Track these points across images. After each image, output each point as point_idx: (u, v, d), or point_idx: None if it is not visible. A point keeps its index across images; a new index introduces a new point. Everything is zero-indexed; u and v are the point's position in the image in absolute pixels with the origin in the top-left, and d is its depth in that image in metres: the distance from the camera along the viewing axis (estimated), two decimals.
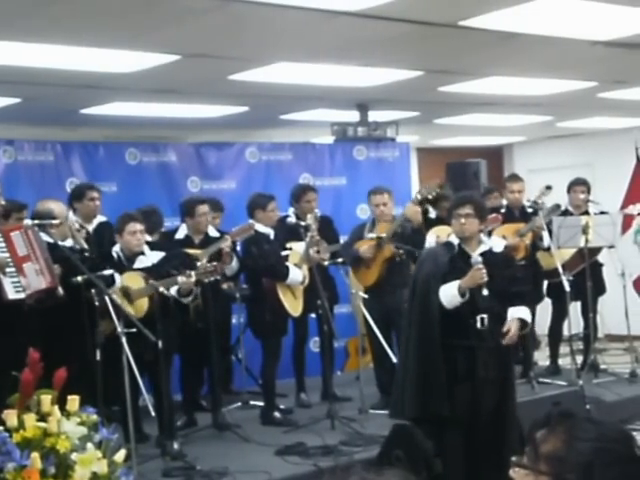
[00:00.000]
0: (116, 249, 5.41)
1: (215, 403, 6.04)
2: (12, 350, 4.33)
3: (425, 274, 4.60)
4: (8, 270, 4.43)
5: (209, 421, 5.99)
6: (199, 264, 5.42)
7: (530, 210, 6.87)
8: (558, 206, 6.88)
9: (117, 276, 5.15)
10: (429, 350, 4.52)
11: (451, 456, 4.49)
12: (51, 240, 4.84)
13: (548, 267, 6.89)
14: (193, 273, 5.24)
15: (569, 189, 7.29)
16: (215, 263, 5.50)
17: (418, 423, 4.65)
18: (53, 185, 6.98)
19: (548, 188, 6.77)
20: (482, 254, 4.59)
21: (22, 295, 4.43)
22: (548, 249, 6.76)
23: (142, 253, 5.43)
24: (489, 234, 6.49)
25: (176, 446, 5.30)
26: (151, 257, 5.44)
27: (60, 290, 4.67)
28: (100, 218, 6.31)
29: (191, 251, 5.95)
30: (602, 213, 7.20)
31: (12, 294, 4.40)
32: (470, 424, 4.45)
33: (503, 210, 6.97)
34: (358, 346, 6.89)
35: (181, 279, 5.17)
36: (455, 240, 4.64)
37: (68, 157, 7.28)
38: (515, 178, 7.30)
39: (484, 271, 4.44)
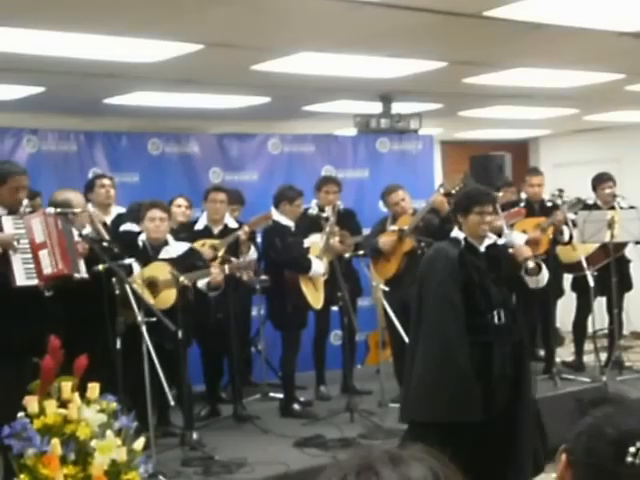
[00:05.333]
0: (142, 238, 5.42)
1: (235, 394, 6.04)
2: (32, 336, 4.35)
3: (441, 274, 4.44)
4: (24, 256, 4.44)
5: (229, 412, 6.00)
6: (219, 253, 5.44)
7: (550, 204, 6.80)
8: (580, 200, 6.81)
9: (136, 265, 5.15)
10: (458, 352, 4.32)
11: (460, 460, 4.34)
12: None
13: (569, 260, 6.82)
14: (226, 266, 5.26)
15: (596, 185, 7.20)
16: (250, 259, 5.50)
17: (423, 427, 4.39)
18: (76, 175, 7.00)
19: (560, 191, 6.73)
20: (488, 247, 4.54)
21: (34, 282, 4.43)
22: (568, 243, 6.69)
23: (166, 243, 5.44)
24: (510, 228, 6.44)
25: (195, 436, 5.31)
26: (176, 248, 5.45)
27: (83, 273, 4.67)
28: (119, 209, 6.33)
29: (209, 241, 5.95)
30: (631, 208, 7.11)
31: (22, 280, 4.41)
32: (483, 424, 4.30)
33: (522, 204, 6.90)
34: (379, 340, 6.86)
35: (215, 271, 5.18)
36: (460, 235, 4.51)
37: (91, 147, 7.30)
38: (535, 172, 7.23)
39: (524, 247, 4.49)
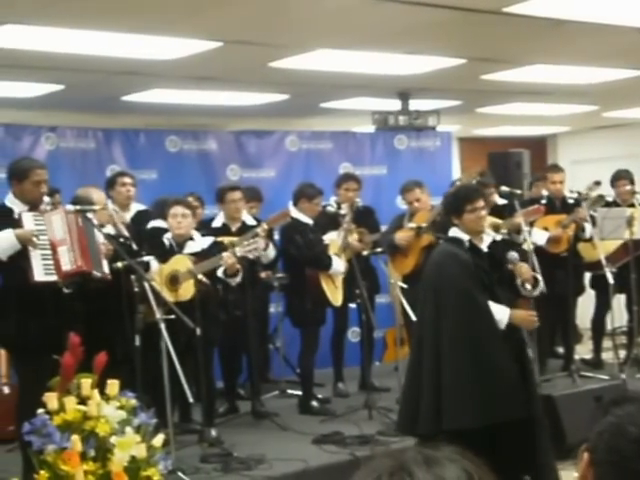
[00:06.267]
0: (167, 236, 5.45)
1: (254, 391, 6.06)
2: (51, 333, 4.37)
3: (459, 278, 4.34)
4: (44, 252, 4.45)
5: (247, 409, 6.01)
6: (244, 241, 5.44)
7: (571, 201, 6.76)
8: (601, 197, 6.76)
9: (154, 262, 5.17)
10: (495, 350, 4.27)
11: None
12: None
13: (591, 259, 6.78)
14: (237, 249, 5.25)
15: (612, 183, 7.16)
16: (257, 238, 5.49)
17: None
18: (94, 172, 7.03)
19: (597, 184, 6.65)
20: (489, 246, 4.49)
21: (53, 278, 4.44)
22: (589, 240, 6.65)
23: (191, 239, 5.46)
24: (531, 225, 6.41)
25: (214, 433, 5.33)
26: (200, 242, 5.47)
27: (106, 274, 4.68)
28: (138, 206, 6.35)
29: (227, 239, 5.95)
30: None
31: (41, 276, 4.41)
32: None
33: (544, 201, 6.86)
34: (396, 337, 6.85)
35: (226, 254, 5.18)
36: (464, 236, 4.42)
37: (109, 144, 7.33)
38: (556, 168, 7.20)
39: (535, 317, 4.42)
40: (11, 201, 4.62)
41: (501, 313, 4.33)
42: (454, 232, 4.48)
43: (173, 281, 5.20)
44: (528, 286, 4.50)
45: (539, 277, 4.63)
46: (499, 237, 4.69)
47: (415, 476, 1.10)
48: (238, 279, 5.39)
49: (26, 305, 4.49)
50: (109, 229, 5.18)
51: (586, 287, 7.25)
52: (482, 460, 1.18)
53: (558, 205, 6.88)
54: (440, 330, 4.34)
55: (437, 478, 1.10)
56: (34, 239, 4.42)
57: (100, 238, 4.74)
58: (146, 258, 5.04)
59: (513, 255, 4.46)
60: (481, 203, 4.44)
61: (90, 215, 4.74)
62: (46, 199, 4.64)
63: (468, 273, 4.34)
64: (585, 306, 7.43)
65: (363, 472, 1.14)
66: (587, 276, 7.21)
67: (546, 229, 6.68)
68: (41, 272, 4.43)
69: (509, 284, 4.50)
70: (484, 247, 4.49)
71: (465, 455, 1.15)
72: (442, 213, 6.21)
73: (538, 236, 6.52)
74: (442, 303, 4.36)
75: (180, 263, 5.25)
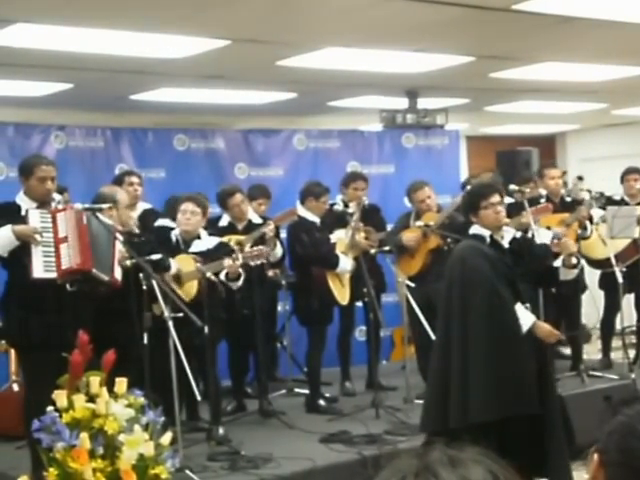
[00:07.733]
0: (175, 232, 5.46)
1: (261, 390, 6.06)
2: (53, 331, 4.38)
3: (486, 274, 4.32)
4: (46, 249, 4.45)
5: (254, 407, 6.02)
6: (246, 249, 5.44)
7: (569, 199, 6.75)
8: (602, 194, 6.75)
9: (172, 261, 5.18)
10: (517, 347, 4.29)
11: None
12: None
13: (598, 257, 6.76)
14: (240, 256, 5.25)
15: (622, 179, 7.16)
16: (260, 246, 5.51)
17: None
18: (103, 171, 7.06)
19: (580, 179, 6.68)
20: (510, 242, 4.52)
21: (52, 275, 4.44)
22: (588, 238, 6.64)
23: (198, 237, 5.46)
24: (537, 224, 6.39)
25: (221, 431, 5.33)
26: (207, 242, 5.47)
27: (116, 275, 4.67)
28: (144, 205, 6.35)
29: (235, 237, 5.95)
30: None
31: (40, 273, 4.41)
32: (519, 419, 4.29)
33: (543, 200, 6.84)
34: (404, 336, 6.84)
35: (227, 262, 5.18)
36: (485, 232, 4.45)
37: (118, 143, 7.35)
38: (552, 165, 7.24)
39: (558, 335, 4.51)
40: (21, 198, 4.64)
41: (525, 319, 4.32)
42: (474, 229, 4.50)
43: (176, 280, 5.21)
44: (574, 260, 4.55)
45: (580, 258, 4.76)
46: (547, 240, 4.71)
47: (440, 477, 1.09)
48: (239, 283, 5.39)
49: (27, 302, 4.50)
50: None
51: (588, 285, 7.22)
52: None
53: (557, 204, 6.86)
54: (467, 327, 4.31)
55: (462, 479, 1.09)
56: (37, 236, 4.41)
57: (118, 244, 4.70)
58: (155, 256, 5.02)
59: (556, 231, 4.50)
60: (497, 198, 4.46)
61: (112, 213, 4.74)
62: (57, 197, 4.65)
63: (493, 268, 4.33)
64: (593, 305, 7.40)
65: (388, 472, 1.13)
66: (595, 275, 7.18)
67: (549, 228, 6.66)
68: (40, 269, 4.42)
69: (539, 272, 4.54)
70: (505, 243, 4.50)
71: (490, 456, 1.14)
72: (458, 214, 6.22)
73: (544, 235, 6.50)
74: (469, 302, 4.33)
75: (183, 263, 5.26)
